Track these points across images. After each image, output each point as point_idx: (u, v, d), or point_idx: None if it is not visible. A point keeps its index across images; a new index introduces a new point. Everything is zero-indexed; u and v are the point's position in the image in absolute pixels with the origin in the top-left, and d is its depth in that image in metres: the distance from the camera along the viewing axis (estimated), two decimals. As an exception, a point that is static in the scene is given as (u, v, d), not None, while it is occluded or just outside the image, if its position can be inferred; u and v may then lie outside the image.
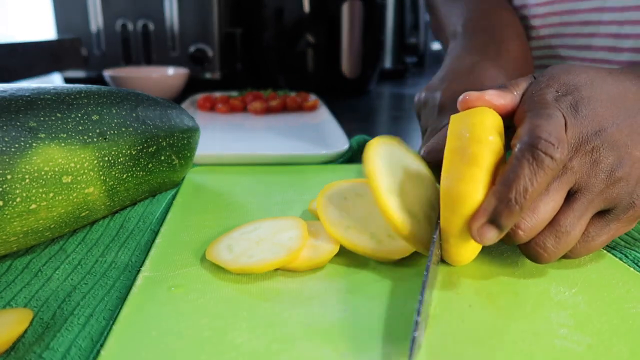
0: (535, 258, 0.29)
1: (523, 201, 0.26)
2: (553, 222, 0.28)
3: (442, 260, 0.30)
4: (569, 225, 0.28)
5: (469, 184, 0.26)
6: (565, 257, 0.30)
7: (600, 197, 0.28)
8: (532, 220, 0.27)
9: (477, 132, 0.27)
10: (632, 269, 0.31)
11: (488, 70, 0.43)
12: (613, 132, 0.29)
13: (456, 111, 0.33)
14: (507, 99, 0.31)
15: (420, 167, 0.33)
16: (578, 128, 0.28)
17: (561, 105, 0.29)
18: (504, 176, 0.27)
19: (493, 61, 0.45)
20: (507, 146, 0.30)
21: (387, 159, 0.31)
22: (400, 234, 0.28)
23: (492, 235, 0.26)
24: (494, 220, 0.26)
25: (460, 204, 0.27)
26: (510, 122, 0.32)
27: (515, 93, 0.31)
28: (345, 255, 0.32)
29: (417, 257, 0.32)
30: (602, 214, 0.30)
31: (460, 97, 0.31)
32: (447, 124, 0.36)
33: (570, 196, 0.29)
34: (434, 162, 0.35)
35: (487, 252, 0.32)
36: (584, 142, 0.28)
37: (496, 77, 0.43)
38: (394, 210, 0.28)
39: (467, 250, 0.28)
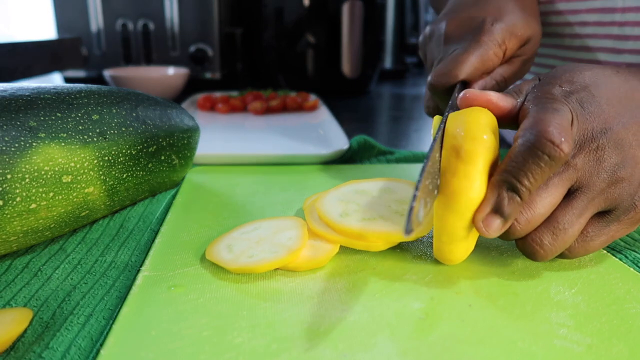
0: (532, 254, 0.29)
1: (523, 191, 0.26)
2: (551, 219, 0.28)
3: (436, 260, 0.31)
4: (567, 223, 0.28)
5: (463, 180, 0.27)
6: (563, 256, 0.30)
7: (600, 197, 0.28)
8: (528, 213, 0.27)
9: (472, 130, 0.27)
10: (632, 269, 0.31)
11: (490, 4, 0.42)
12: (619, 130, 0.28)
13: (461, 39, 0.35)
14: (508, 102, 0.31)
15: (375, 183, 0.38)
16: (584, 125, 0.28)
17: (569, 100, 0.28)
18: (503, 166, 0.27)
19: None
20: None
21: (335, 194, 0.36)
22: (371, 239, 0.31)
23: (498, 225, 0.27)
24: (497, 210, 0.26)
25: (454, 201, 0.27)
26: (510, 124, 0.31)
27: (518, 100, 0.31)
28: (345, 255, 0.32)
29: (416, 256, 0.32)
30: (602, 214, 0.29)
31: (461, 94, 0.31)
32: (454, 51, 0.39)
33: (570, 194, 0.28)
34: (442, 87, 0.37)
35: (487, 252, 0.32)
36: (589, 139, 0.28)
37: (503, 7, 0.42)
38: (349, 225, 0.31)
39: (459, 249, 0.29)
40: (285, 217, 0.35)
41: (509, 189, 0.26)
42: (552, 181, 0.27)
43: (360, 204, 0.34)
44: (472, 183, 0.27)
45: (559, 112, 0.27)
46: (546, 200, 0.27)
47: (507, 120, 0.31)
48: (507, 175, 0.26)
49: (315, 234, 0.33)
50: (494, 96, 0.31)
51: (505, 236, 0.28)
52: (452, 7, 0.44)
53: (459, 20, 0.42)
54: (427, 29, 0.45)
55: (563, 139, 0.26)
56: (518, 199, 0.26)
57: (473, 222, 0.27)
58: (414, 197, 0.22)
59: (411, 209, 0.21)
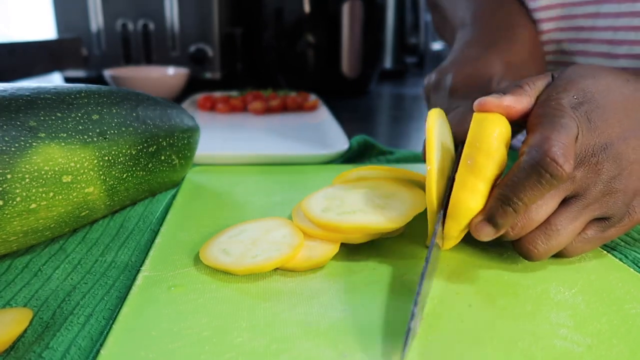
0: (526, 255, 0.29)
1: (518, 206, 0.27)
2: (545, 222, 0.29)
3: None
4: (559, 225, 0.29)
5: (469, 192, 0.28)
6: (560, 255, 0.31)
7: (595, 204, 0.29)
8: (522, 221, 0.28)
9: (487, 143, 0.29)
10: (632, 269, 0.31)
11: (496, 60, 0.43)
12: (620, 145, 0.29)
13: (467, 95, 0.36)
14: (523, 103, 0.31)
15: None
16: (588, 140, 0.29)
17: (577, 114, 0.29)
18: (505, 180, 0.28)
19: (503, 50, 0.45)
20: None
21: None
22: (347, 232, 0.31)
23: (488, 232, 0.28)
24: (490, 219, 0.28)
25: (455, 208, 0.28)
26: (523, 122, 0.31)
27: (531, 97, 0.31)
28: (345, 255, 0.32)
29: (414, 256, 0.32)
30: (600, 219, 0.30)
31: (477, 102, 0.31)
32: (458, 107, 0.39)
33: (566, 200, 0.29)
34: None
35: (487, 252, 0.32)
36: (590, 154, 0.29)
37: (508, 62, 0.42)
38: (328, 219, 0.32)
39: (449, 243, 0.30)
40: (269, 218, 0.35)
41: (506, 202, 0.27)
42: (549, 192, 0.28)
43: (344, 200, 0.35)
44: (476, 195, 0.28)
45: (566, 129, 0.28)
46: (541, 209, 0.28)
47: (519, 119, 0.31)
48: (506, 189, 0.27)
49: (300, 230, 0.33)
50: (511, 102, 0.31)
51: (499, 238, 0.29)
52: (459, 59, 0.45)
53: (465, 75, 0.42)
54: (433, 76, 0.45)
55: (566, 160, 0.26)
56: (512, 211, 0.27)
57: (469, 224, 0.29)
58: (412, 314, 0.23)
59: (408, 330, 0.22)
